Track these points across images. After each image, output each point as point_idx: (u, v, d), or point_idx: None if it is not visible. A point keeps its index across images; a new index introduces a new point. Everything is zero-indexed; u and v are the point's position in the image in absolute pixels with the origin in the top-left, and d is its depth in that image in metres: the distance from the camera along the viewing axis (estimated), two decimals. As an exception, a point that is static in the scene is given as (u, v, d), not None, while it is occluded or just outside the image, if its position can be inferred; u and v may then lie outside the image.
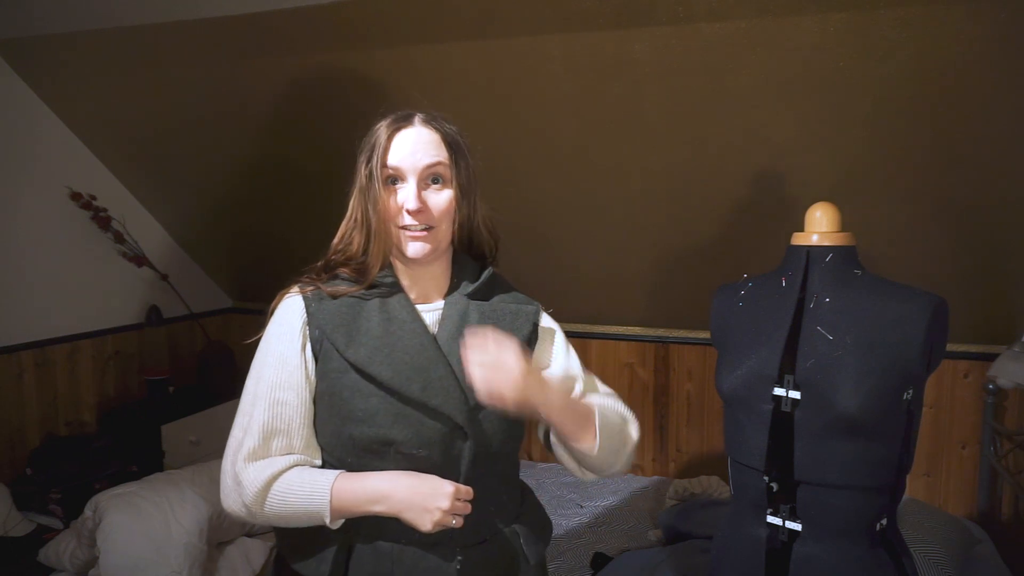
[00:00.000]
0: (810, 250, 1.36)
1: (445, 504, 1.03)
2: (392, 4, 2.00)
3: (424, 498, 1.04)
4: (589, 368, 1.29)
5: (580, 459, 1.15)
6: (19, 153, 2.73)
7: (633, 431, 1.20)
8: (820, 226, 1.36)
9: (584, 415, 1.11)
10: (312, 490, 1.05)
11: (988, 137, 1.92)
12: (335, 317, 1.11)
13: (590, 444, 1.10)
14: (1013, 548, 2.35)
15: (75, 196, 2.89)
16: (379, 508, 1.05)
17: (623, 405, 1.23)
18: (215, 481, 2.68)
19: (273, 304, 1.17)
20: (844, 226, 1.37)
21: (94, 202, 2.95)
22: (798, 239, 1.39)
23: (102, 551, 2.13)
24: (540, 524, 1.26)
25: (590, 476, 1.20)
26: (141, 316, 3.22)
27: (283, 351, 1.11)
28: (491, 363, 0.99)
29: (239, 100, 2.57)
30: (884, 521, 1.29)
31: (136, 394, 3.23)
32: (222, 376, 3.41)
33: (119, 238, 3.07)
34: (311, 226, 3.18)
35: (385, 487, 1.05)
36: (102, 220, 2.98)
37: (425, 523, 1.04)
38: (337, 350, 1.09)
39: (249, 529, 2.50)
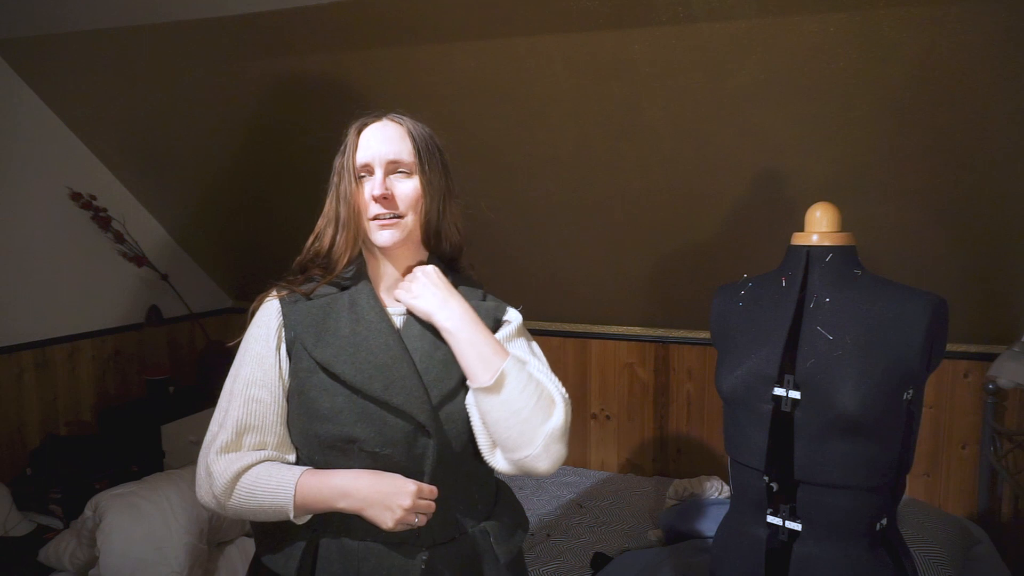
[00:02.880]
0: (810, 250, 1.36)
1: (406, 502, 1.05)
2: (392, 4, 2.00)
3: (385, 496, 1.06)
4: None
5: (485, 418, 1.10)
6: (19, 153, 2.73)
7: (558, 412, 1.09)
8: (820, 226, 1.36)
9: (493, 350, 1.10)
10: (278, 485, 1.07)
11: (988, 137, 1.92)
12: (306, 318, 1.15)
13: (483, 385, 1.08)
14: (1013, 548, 2.35)
15: (75, 196, 2.89)
16: (342, 504, 1.08)
17: (560, 387, 1.15)
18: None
19: (252, 307, 1.21)
20: (844, 226, 1.37)
21: (94, 202, 2.95)
22: (798, 239, 1.39)
23: (102, 551, 2.13)
24: (513, 522, 1.26)
25: (501, 463, 1.11)
26: (141, 316, 3.22)
27: (259, 351, 1.16)
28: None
29: (239, 100, 2.57)
30: (884, 521, 1.29)
31: (136, 394, 3.24)
32: (222, 376, 3.40)
33: (119, 238, 3.07)
34: (311, 226, 3.18)
35: (347, 484, 1.07)
36: (102, 220, 2.98)
37: (387, 521, 1.05)
38: (306, 349, 1.13)
39: (248, 529, 2.50)
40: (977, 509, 2.50)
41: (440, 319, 1.13)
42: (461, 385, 1.14)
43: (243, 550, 2.41)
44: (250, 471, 1.08)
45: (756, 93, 1.99)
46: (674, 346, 2.99)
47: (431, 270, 1.17)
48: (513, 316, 1.23)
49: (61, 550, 2.28)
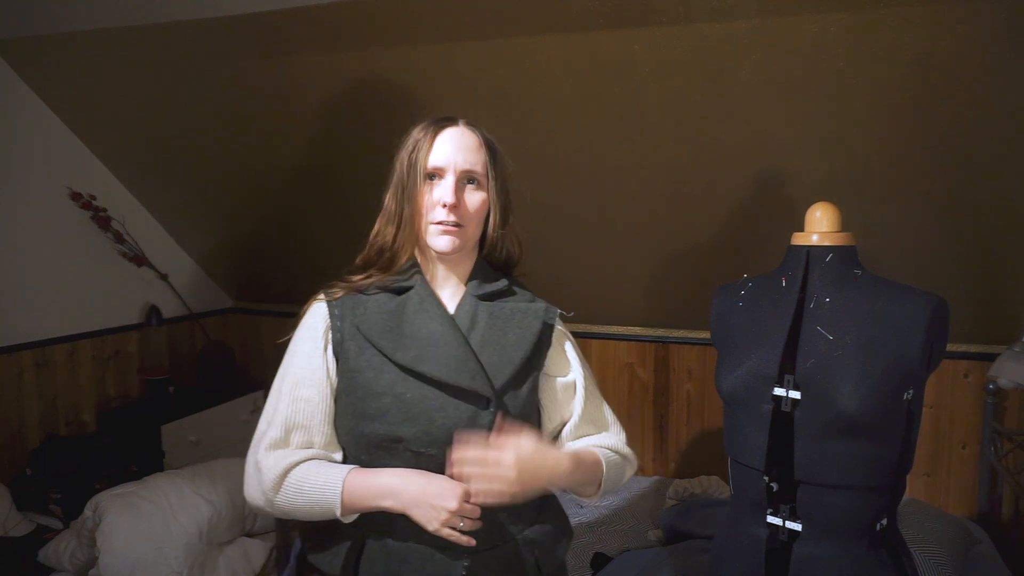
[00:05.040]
0: (810, 250, 1.36)
1: (453, 505, 1.05)
2: (392, 4, 2.00)
3: (433, 497, 1.06)
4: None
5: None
6: (19, 153, 2.73)
7: (630, 470, 1.27)
8: (820, 226, 1.36)
9: (589, 479, 1.20)
10: (325, 482, 1.08)
11: (988, 137, 1.92)
12: (378, 322, 1.16)
13: (592, 498, 1.23)
14: (1013, 548, 2.35)
15: (75, 196, 2.89)
16: (388, 503, 1.08)
17: (623, 438, 1.28)
18: (215, 481, 2.70)
19: (304, 308, 1.22)
20: (844, 226, 1.37)
21: (94, 202, 2.95)
22: (798, 239, 1.39)
23: (102, 551, 2.13)
24: (557, 531, 1.27)
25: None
26: (141, 316, 3.22)
27: (307, 351, 1.17)
28: (481, 461, 1.03)
29: (239, 100, 2.57)
30: (884, 521, 1.29)
31: (136, 394, 3.23)
32: (222, 376, 3.41)
33: (119, 238, 3.07)
34: (311, 225, 3.19)
35: (396, 484, 1.08)
36: (102, 220, 2.98)
37: (432, 522, 1.06)
38: (383, 353, 1.14)
39: (249, 529, 2.50)
40: (977, 509, 2.50)
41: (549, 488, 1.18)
42: (506, 388, 1.17)
43: (243, 550, 2.41)
44: (298, 468, 1.10)
45: (756, 93, 1.99)
46: (674, 346, 2.99)
47: (508, 462, 1.04)
48: (563, 329, 1.29)
49: (61, 550, 2.28)
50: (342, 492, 1.07)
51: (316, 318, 1.19)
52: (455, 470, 1.05)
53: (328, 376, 1.15)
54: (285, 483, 1.09)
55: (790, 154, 2.15)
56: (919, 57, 1.78)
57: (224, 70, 2.44)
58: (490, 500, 1.04)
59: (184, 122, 2.76)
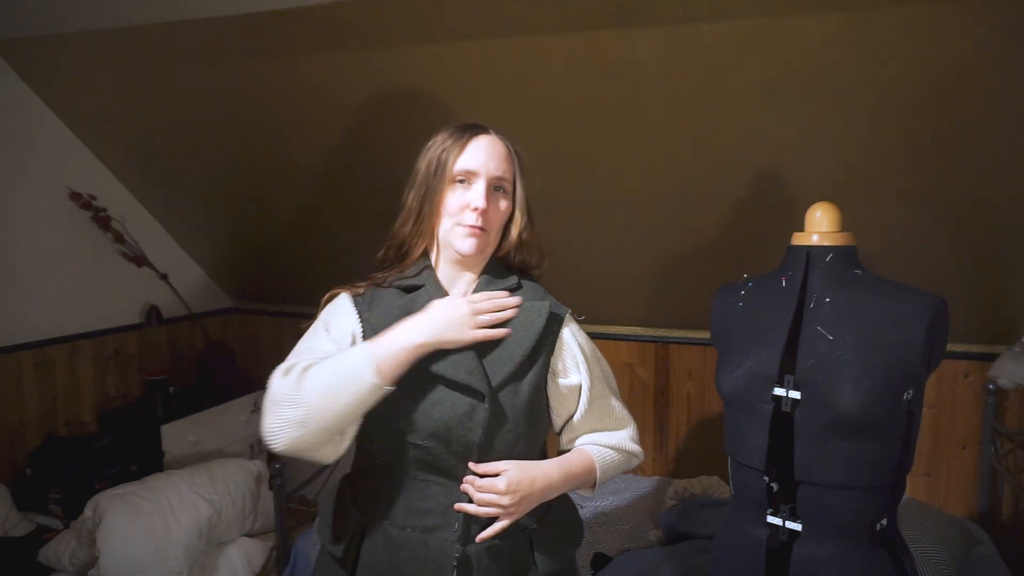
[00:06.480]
0: (810, 250, 1.36)
1: (466, 308, 1.14)
2: (392, 4, 2.00)
3: (450, 311, 1.14)
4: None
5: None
6: (19, 153, 2.73)
7: (635, 461, 1.32)
8: (820, 226, 1.36)
9: (582, 483, 1.26)
10: (348, 355, 1.09)
11: (988, 137, 1.92)
12: (390, 323, 1.17)
13: (588, 492, 1.30)
14: (1013, 548, 2.35)
15: (75, 196, 2.89)
16: (420, 339, 1.11)
17: (631, 434, 1.30)
18: (215, 481, 2.69)
19: (325, 300, 1.25)
20: (844, 226, 1.37)
21: (94, 202, 2.95)
22: (798, 239, 1.39)
23: (102, 551, 2.13)
24: (565, 532, 1.28)
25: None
26: (141, 316, 3.22)
27: (329, 334, 1.19)
28: (483, 493, 1.13)
29: (239, 100, 2.57)
30: (884, 521, 1.29)
31: (136, 394, 3.24)
32: (222, 376, 3.41)
33: (119, 238, 3.07)
34: (310, 226, 3.18)
35: (413, 324, 1.12)
36: (102, 220, 2.98)
37: (465, 329, 1.13)
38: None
39: (249, 529, 2.50)
40: (977, 509, 2.50)
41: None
42: (504, 384, 1.18)
43: (243, 550, 2.41)
44: (316, 364, 1.09)
45: (756, 93, 1.99)
46: (674, 346, 2.99)
47: (502, 486, 1.14)
48: (575, 331, 1.30)
49: (61, 550, 2.29)
50: (369, 352, 1.07)
51: (344, 310, 1.21)
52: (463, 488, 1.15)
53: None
54: (307, 374, 1.06)
55: (790, 154, 2.15)
56: (919, 57, 1.78)
57: (224, 70, 2.44)
58: (495, 529, 1.15)
59: (184, 122, 2.76)
